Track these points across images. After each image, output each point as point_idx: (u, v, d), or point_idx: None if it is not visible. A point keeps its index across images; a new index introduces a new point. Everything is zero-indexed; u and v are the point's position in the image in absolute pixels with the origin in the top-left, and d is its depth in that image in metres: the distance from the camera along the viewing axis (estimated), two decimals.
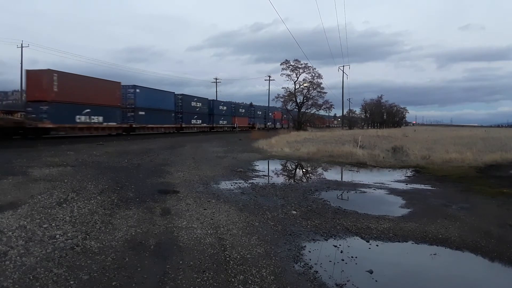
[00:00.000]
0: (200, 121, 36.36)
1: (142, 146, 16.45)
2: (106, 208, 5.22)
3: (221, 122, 41.87)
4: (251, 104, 66.25)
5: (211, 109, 38.96)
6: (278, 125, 63.19)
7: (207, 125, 38.19)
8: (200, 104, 36.53)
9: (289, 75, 43.46)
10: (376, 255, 3.97)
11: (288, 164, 12.70)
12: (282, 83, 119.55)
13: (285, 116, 67.07)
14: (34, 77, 19.17)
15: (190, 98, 35.12)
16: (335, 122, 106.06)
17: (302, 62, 43.11)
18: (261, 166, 11.46)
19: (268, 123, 60.12)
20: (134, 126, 25.50)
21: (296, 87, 44.21)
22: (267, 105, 63.03)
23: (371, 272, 3.42)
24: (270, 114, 62.54)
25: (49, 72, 19.07)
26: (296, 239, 4.26)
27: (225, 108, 43.27)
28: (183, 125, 32.83)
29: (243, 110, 50.38)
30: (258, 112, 56.68)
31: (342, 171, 11.08)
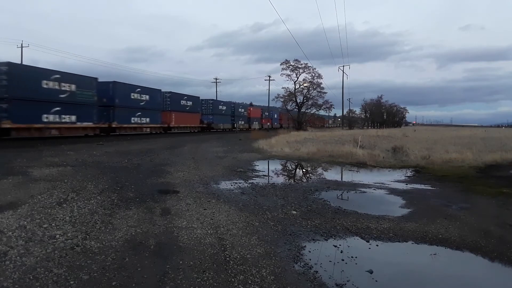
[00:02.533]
0: (73, 117, 19.11)
1: (142, 146, 16.46)
2: (106, 208, 5.22)
3: (135, 119, 24.76)
4: (239, 102, 55.83)
5: (110, 97, 22.25)
6: (255, 125, 50.32)
7: (95, 125, 20.95)
8: (72, 86, 19.00)
9: (289, 75, 43.53)
10: (376, 255, 3.97)
11: (288, 164, 12.70)
12: (282, 83, 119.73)
13: (266, 113, 56.92)
14: None
15: (39, 73, 17.58)
16: (330, 121, 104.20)
17: (302, 62, 43.16)
18: (261, 166, 11.45)
19: (240, 122, 45.91)
20: None
21: (296, 87, 44.28)
22: (238, 100, 54.62)
23: (371, 272, 3.42)
24: (242, 110, 48.25)
25: None
26: (296, 239, 4.26)
27: (145, 97, 25.70)
28: (18, 125, 16.12)
29: (189, 103, 32.94)
30: (220, 107, 40.93)
31: (342, 171, 11.08)
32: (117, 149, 14.29)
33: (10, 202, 5.23)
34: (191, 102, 33.57)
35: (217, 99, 51.98)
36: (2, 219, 4.41)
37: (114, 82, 23.29)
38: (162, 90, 29.40)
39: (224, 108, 42.15)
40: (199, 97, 36.89)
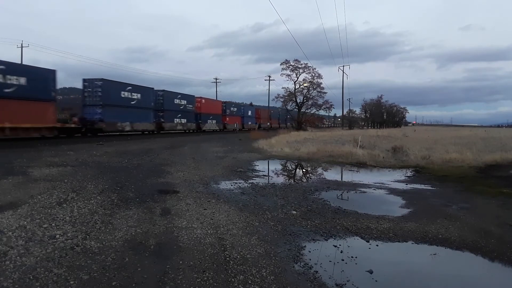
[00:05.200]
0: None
1: (142, 146, 16.46)
2: (106, 208, 5.22)
3: None
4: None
5: None
6: (211, 124, 36.71)
7: None
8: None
9: (289, 75, 43.58)
10: (376, 255, 3.97)
11: (288, 164, 12.70)
12: (282, 83, 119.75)
13: (233, 109, 43.48)
14: None
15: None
16: (327, 121, 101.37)
17: (302, 62, 43.19)
18: (261, 166, 11.45)
19: (177, 121, 30.88)
20: None
21: (296, 87, 44.30)
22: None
23: (371, 272, 3.42)
24: (182, 102, 31.48)
25: None
26: (296, 239, 4.26)
27: None
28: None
29: (19, 82, 15.77)
30: (124, 94, 23.95)
31: (342, 171, 11.08)
32: (117, 149, 14.29)
33: (10, 202, 5.22)
34: (22, 80, 16.11)
35: (217, 98, 49.44)
36: (2, 219, 4.41)
37: None
38: None
39: (137, 96, 24.92)
40: (54, 70, 18.06)
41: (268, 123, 54.80)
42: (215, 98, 51.95)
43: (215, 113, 38.41)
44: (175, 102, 30.92)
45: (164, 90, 29.61)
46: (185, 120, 32.38)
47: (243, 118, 46.20)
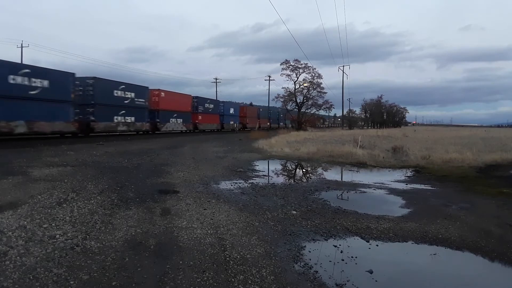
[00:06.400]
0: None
1: (142, 146, 16.47)
2: (106, 208, 5.22)
3: None
4: None
5: None
6: (175, 124, 29.45)
7: None
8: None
9: (289, 75, 43.56)
10: (376, 255, 3.97)
11: (288, 164, 12.69)
12: (282, 83, 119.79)
13: (209, 106, 36.16)
14: None
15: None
16: (322, 120, 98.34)
17: (302, 62, 43.16)
18: (261, 166, 11.45)
19: (119, 120, 22.80)
20: None
21: (296, 87, 44.29)
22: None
23: (371, 272, 3.42)
24: (128, 95, 23.52)
25: None
26: (296, 239, 4.26)
27: None
28: None
29: None
30: (16, 79, 15.27)
31: (342, 171, 11.08)
32: (117, 149, 14.29)
33: (10, 202, 5.22)
34: None
35: (217, 99, 47.92)
36: (2, 219, 4.41)
37: None
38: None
39: (42, 84, 16.80)
40: None
41: (256, 124, 48.41)
42: (215, 98, 51.52)
43: (182, 110, 30.46)
44: (116, 95, 22.71)
45: (95, 77, 21.18)
46: (133, 118, 24.25)
47: (222, 117, 39.03)
